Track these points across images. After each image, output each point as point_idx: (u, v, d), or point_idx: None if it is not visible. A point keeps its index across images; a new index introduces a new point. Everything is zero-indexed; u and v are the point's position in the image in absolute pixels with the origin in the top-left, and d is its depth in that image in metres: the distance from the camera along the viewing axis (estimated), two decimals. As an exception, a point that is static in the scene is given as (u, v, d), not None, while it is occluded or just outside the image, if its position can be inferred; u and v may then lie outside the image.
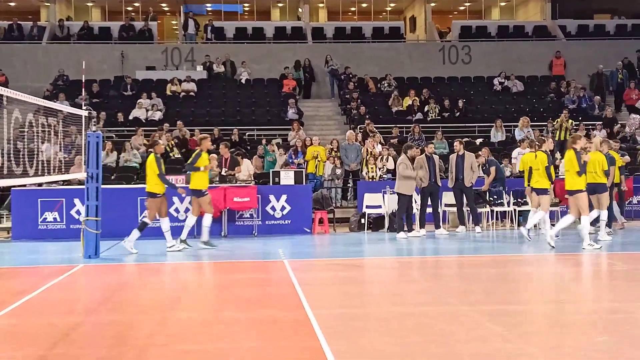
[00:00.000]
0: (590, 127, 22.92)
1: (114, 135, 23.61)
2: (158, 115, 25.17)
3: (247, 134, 24.30)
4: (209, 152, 15.34)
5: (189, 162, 14.49)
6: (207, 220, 14.43)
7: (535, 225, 15.86)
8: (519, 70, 29.16)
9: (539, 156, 14.75)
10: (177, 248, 14.03)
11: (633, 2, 33.73)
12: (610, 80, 27.48)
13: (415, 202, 16.74)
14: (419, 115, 25.40)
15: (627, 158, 18.35)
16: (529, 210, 18.04)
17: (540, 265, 12.61)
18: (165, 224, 14.17)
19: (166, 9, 36.38)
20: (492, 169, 17.95)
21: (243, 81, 28.36)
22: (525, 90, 28.19)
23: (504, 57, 29.88)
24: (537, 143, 15.32)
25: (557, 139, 20.51)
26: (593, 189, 14.44)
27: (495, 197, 18.01)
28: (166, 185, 14.03)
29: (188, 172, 14.87)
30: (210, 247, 14.35)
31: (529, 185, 14.95)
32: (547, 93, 27.77)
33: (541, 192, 14.62)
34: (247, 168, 18.69)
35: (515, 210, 18.03)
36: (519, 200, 18.10)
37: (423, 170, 16.35)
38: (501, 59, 29.70)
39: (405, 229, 16.17)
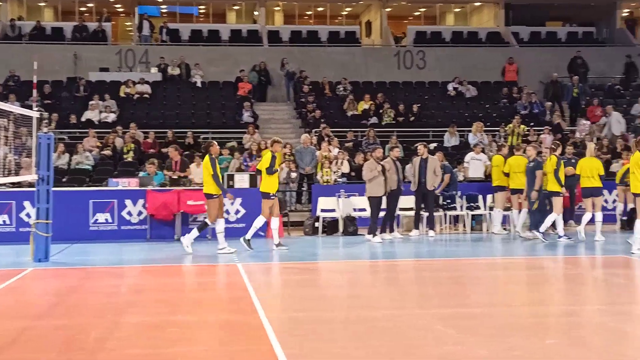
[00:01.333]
0: (539, 132, 23.21)
1: (66, 137, 23.28)
2: (111, 117, 24.87)
3: (202, 136, 24.13)
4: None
5: (267, 165, 14.48)
6: (275, 223, 14.66)
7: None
8: (472, 75, 29.42)
9: (552, 160, 15.45)
10: (228, 250, 13.95)
11: (584, 11, 34.34)
12: (565, 95, 27.57)
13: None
14: (374, 120, 25.50)
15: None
16: (481, 215, 18.30)
17: (493, 269, 12.72)
18: (220, 226, 14.16)
19: (120, 10, 35.99)
20: (447, 177, 18.09)
21: (199, 84, 28.18)
22: (479, 96, 28.46)
23: (458, 62, 30.12)
24: (552, 147, 15.90)
25: (509, 143, 20.71)
26: (590, 192, 15.51)
27: (448, 201, 18.16)
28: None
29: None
30: (283, 248, 14.52)
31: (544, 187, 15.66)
32: (500, 98, 28.08)
33: (554, 194, 15.31)
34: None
35: (468, 214, 18.19)
36: (471, 204, 18.29)
37: (392, 173, 16.39)
38: (455, 65, 29.93)
39: (378, 232, 16.17)
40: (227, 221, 16.99)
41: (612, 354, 6.49)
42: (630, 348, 6.72)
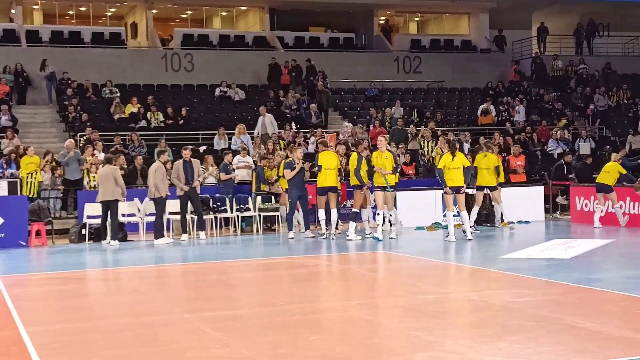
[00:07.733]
0: (306, 134, 23.93)
1: None
2: None
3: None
4: None
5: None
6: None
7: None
8: (240, 79, 29.76)
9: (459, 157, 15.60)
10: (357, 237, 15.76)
11: (344, 17, 35.92)
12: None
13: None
14: (142, 123, 25.09)
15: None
16: (251, 217, 18.56)
17: (260, 269, 12.96)
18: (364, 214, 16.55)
19: None
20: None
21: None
22: (247, 99, 28.85)
23: (226, 65, 30.30)
24: (455, 144, 16.08)
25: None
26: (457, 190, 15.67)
27: (218, 203, 18.26)
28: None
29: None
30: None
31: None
32: (268, 101, 28.61)
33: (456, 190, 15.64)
34: (-46, 179, 17.34)
35: (238, 216, 18.38)
36: (241, 206, 18.50)
37: (179, 175, 16.40)
38: (223, 68, 30.07)
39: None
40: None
41: (369, 346, 6.86)
42: (384, 338, 7.15)
